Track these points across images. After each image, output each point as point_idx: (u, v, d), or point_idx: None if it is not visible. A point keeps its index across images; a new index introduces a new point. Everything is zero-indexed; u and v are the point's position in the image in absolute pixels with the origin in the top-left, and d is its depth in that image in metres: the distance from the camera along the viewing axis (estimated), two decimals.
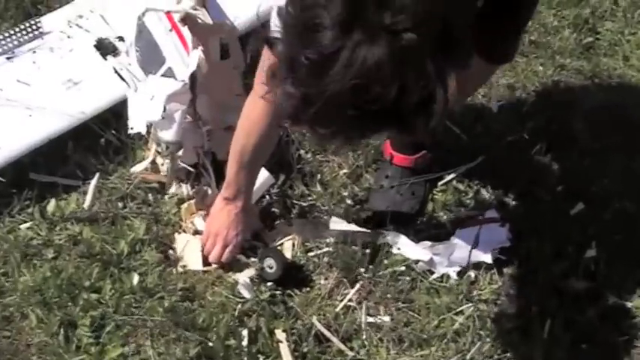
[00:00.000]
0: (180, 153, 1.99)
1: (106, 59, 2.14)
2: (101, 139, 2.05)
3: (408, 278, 1.91)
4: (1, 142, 1.98)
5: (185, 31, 1.94)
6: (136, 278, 1.84)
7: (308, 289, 1.90)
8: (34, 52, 2.16)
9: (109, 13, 2.22)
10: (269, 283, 1.86)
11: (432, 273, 1.93)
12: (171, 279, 1.87)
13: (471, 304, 1.87)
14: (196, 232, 1.96)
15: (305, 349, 1.78)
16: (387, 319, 1.86)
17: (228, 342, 1.76)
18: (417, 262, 1.92)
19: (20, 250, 1.89)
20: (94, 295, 1.81)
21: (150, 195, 2.02)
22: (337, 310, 1.86)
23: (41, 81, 2.10)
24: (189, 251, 1.93)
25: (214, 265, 1.91)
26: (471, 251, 1.91)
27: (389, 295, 1.89)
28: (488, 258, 1.92)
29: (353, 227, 1.93)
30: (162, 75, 1.96)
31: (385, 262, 1.92)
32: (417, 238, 1.95)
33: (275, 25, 1.13)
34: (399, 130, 1.12)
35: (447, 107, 1.06)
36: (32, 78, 2.10)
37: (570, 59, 2.42)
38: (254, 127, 1.72)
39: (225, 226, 1.87)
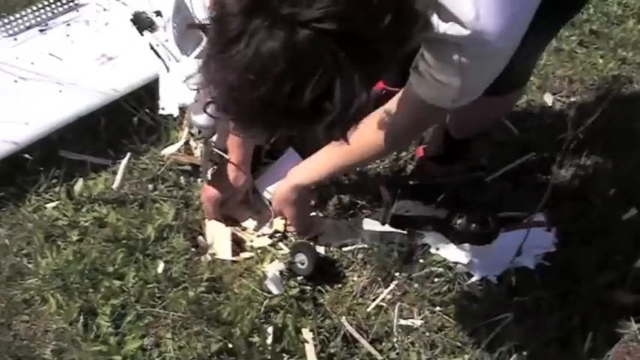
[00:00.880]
0: (214, 138, 1.92)
1: (142, 34, 2.09)
2: (134, 117, 2.02)
3: (444, 280, 1.84)
4: (30, 118, 1.95)
5: None
6: (161, 266, 1.79)
7: (340, 285, 1.84)
8: (69, 24, 2.13)
9: None
10: (299, 278, 1.81)
11: (471, 276, 1.85)
12: (197, 268, 1.82)
13: (509, 312, 1.77)
14: (227, 219, 1.90)
15: (332, 350, 1.72)
16: (419, 322, 1.79)
17: (252, 339, 1.70)
18: (455, 263, 1.85)
19: (44, 230, 1.86)
20: (117, 282, 1.77)
21: (182, 178, 1.99)
22: (369, 310, 1.80)
23: (74, 55, 2.07)
24: (218, 239, 1.87)
25: (243, 256, 1.86)
26: (514, 256, 1.82)
27: (424, 298, 1.81)
28: (530, 263, 1.85)
29: (387, 228, 1.85)
30: (198, 56, 1.88)
31: (421, 261, 1.85)
32: (457, 239, 1.85)
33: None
34: (299, 129, 1.12)
35: (349, 111, 1.02)
36: (65, 52, 2.07)
37: (633, 52, 2.35)
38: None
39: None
